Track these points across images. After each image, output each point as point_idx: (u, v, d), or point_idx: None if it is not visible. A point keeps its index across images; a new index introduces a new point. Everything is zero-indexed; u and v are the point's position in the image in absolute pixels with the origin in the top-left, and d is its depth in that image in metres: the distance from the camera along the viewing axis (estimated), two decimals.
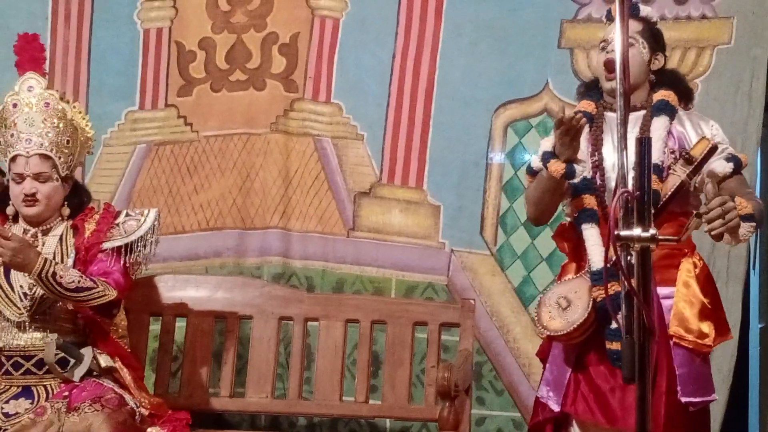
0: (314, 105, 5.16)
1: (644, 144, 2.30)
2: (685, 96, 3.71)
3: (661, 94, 3.61)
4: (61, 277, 3.76)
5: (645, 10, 3.69)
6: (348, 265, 5.08)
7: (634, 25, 3.61)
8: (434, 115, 5.03)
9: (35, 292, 3.88)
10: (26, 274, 3.77)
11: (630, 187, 2.29)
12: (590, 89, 3.77)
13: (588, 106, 3.69)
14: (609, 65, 3.56)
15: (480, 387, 4.83)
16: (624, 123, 2.34)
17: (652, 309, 2.31)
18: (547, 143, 3.62)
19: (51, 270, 3.74)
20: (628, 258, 2.31)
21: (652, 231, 2.25)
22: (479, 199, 4.94)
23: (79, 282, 3.79)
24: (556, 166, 3.48)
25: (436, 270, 4.98)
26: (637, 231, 2.25)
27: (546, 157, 3.54)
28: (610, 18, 3.72)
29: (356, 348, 4.56)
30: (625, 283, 2.30)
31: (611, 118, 3.61)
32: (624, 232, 2.26)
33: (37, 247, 3.91)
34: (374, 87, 5.11)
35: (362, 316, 4.50)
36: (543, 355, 3.77)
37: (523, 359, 4.80)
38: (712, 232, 3.27)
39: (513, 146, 4.92)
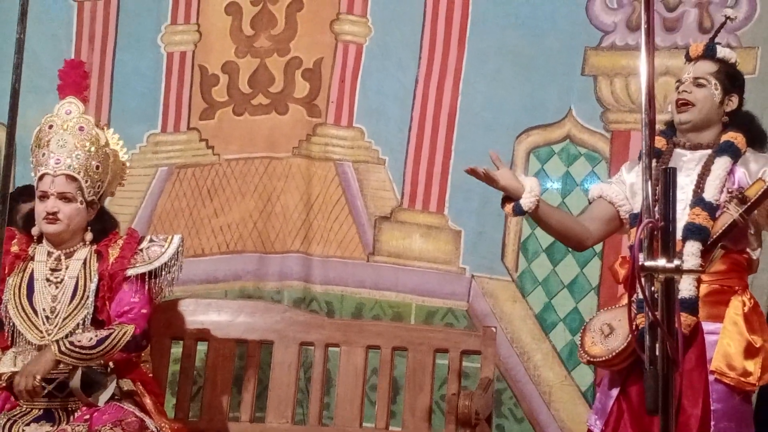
0: (336, 129, 5.18)
1: (669, 175, 2.29)
2: (758, 139, 3.73)
3: (729, 136, 3.65)
4: (79, 341, 3.79)
5: (723, 51, 3.75)
6: (367, 290, 5.08)
7: (709, 66, 3.71)
8: (456, 141, 5.03)
9: (58, 315, 3.90)
10: (54, 361, 3.75)
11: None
12: (667, 126, 3.82)
13: (658, 142, 3.74)
14: (677, 103, 3.70)
15: (500, 414, 4.81)
16: (648, 154, 2.33)
17: (677, 340, 2.30)
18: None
19: (65, 342, 3.78)
20: (652, 288, 2.29)
21: (677, 262, 2.24)
22: (500, 225, 4.93)
23: (96, 336, 3.81)
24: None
25: (457, 295, 4.97)
26: (661, 262, 2.24)
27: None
28: (688, 59, 3.79)
29: (376, 374, 4.55)
30: (650, 314, 2.29)
31: (678, 154, 3.69)
32: (648, 263, 2.24)
33: (60, 270, 3.94)
34: (396, 112, 5.11)
35: (383, 342, 4.49)
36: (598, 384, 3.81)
37: (544, 387, 4.78)
38: None
39: (535, 172, 4.90)
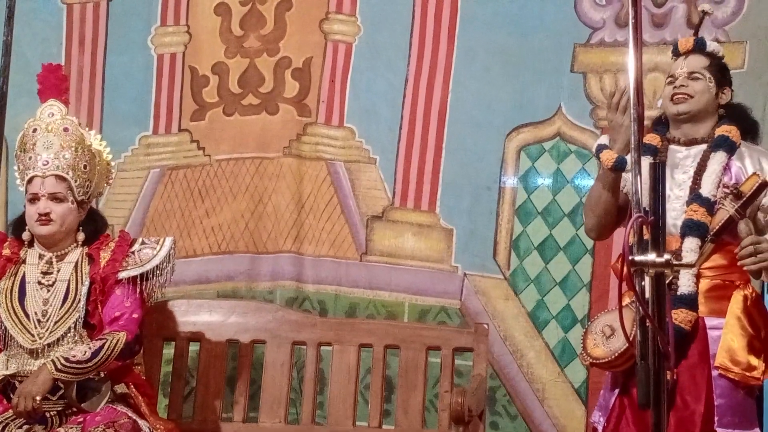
0: (327, 129, 5.17)
1: (657, 169, 2.30)
2: (751, 131, 3.77)
3: (723, 129, 3.67)
4: (74, 356, 3.78)
5: (711, 45, 3.80)
6: (361, 289, 5.07)
7: (701, 60, 3.73)
8: (447, 139, 5.02)
9: (49, 318, 3.89)
10: (51, 380, 3.74)
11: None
12: (657, 124, 3.84)
13: (653, 139, 3.74)
14: (673, 96, 3.69)
15: (494, 412, 4.81)
16: (638, 149, 2.33)
17: (667, 334, 2.30)
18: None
19: (60, 359, 3.76)
20: (643, 283, 2.30)
21: (666, 256, 2.24)
22: (492, 223, 4.93)
23: (89, 348, 3.81)
24: (608, 156, 3.57)
25: (449, 294, 4.96)
26: (651, 256, 2.24)
27: (599, 149, 3.64)
28: (676, 53, 3.82)
29: (369, 372, 4.55)
30: (640, 308, 2.29)
31: (674, 151, 3.70)
32: (639, 258, 2.25)
33: (52, 273, 3.94)
34: (387, 111, 5.11)
35: (375, 340, 4.49)
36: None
37: (537, 384, 4.78)
38: (744, 268, 3.43)
39: (526, 170, 4.91)
